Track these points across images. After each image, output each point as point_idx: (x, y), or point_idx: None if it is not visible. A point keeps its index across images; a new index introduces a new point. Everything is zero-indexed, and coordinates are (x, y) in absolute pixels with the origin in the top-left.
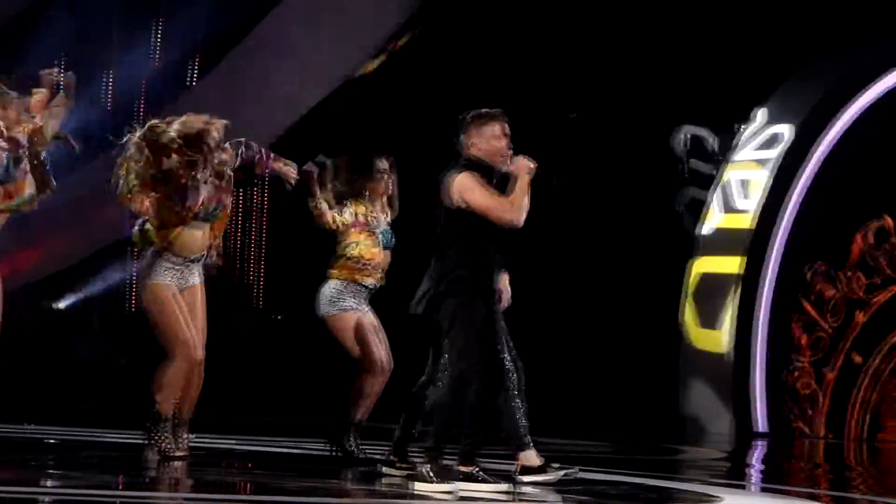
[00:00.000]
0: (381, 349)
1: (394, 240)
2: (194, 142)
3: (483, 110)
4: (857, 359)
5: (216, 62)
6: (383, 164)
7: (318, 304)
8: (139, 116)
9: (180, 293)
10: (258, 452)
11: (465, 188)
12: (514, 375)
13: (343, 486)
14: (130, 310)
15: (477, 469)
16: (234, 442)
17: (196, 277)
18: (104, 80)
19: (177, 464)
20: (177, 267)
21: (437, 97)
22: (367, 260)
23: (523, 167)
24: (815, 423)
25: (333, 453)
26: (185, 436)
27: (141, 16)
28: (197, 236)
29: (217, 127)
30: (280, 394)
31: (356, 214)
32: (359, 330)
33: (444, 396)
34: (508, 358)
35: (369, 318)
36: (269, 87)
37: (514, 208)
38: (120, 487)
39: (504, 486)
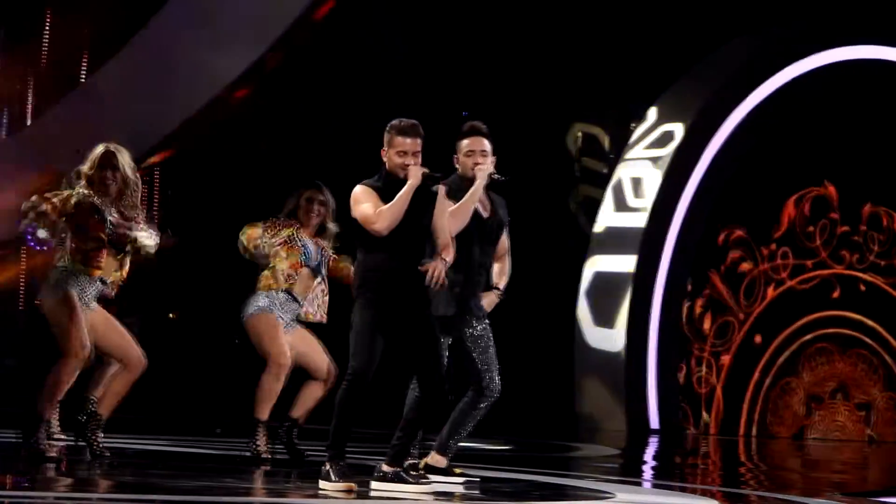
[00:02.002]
0: (324, 358)
1: (318, 263)
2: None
3: (396, 122)
4: (758, 338)
5: (107, 57)
6: (315, 194)
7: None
8: (27, 112)
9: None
10: (158, 452)
11: (353, 200)
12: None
13: (240, 485)
14: (20, 309)
15: (399, 469)
16: (133, 441)
17: (94, 302)
18: None
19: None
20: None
21: (330, 99)
22: (285, 270)
23: (410, 177)
24: (707, 419)
25: (253, 453)
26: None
27: (29, 8)
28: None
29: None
30: (182, 394)
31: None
32: (296, 345)
33: (342, 394)
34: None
35: (300, 332)
36: (161, 84)
37: (381, 218)
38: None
39: (426, 487)
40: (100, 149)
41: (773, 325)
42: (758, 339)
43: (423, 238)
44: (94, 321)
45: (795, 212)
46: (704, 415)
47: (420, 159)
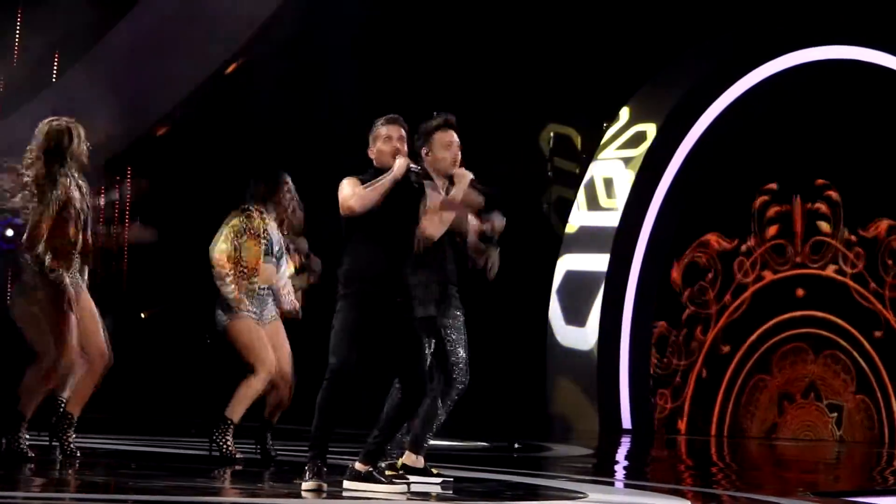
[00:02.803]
0: (285, 360)
1: (280, 250)
2: (54, 152)
3: (385, 116)
4: (725, 348)
5: (78, 57)
6: (286, 180)
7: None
8: None
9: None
10: (127, 452)
11: (339, 190)
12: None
13: (211, 484)
14: None
15: (372, 468)
16: (105, 441)
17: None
18: None
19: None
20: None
21: (304, 97)
22: (248, 265)
23: (395, 168)
24: (679, 419)
25: (222, 452)
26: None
27: (0, 8)
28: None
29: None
30: (150, 393)
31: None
32: (269, 339)
33: (322, 394)
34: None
35: (274, 327)
36: (132, 84)
37: (357, 197)
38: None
39: (399, 487)
40: (64, 124)
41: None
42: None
43: (409, 240)
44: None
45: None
46: (675, 413)
47: (405, 147)
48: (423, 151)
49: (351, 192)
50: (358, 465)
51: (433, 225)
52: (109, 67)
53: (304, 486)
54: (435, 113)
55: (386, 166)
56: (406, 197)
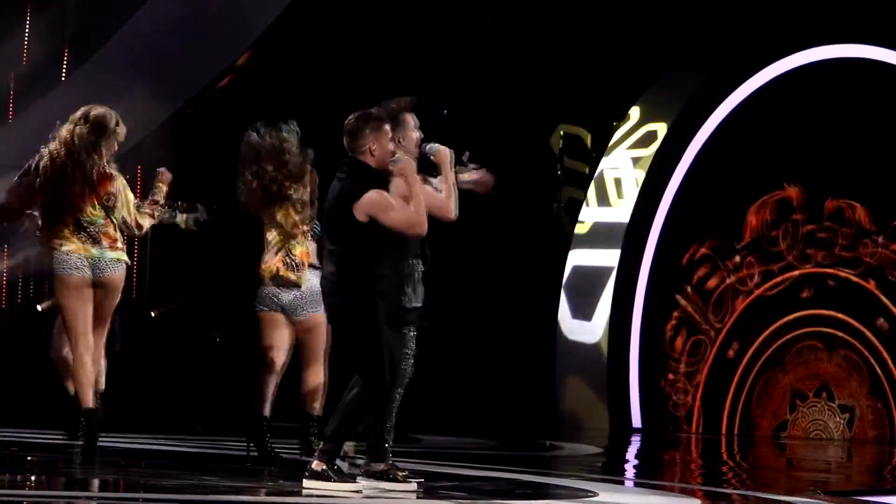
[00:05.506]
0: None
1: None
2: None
3: (372, 114)
4: (730, 353)
5: (88, 55)
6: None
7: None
8: (7, 111)
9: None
10: (154, 451)
11: (379, 208)
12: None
13: (226, 483)
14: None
15: (388, 467)
16: (128, 440)
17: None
18: None
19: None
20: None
21: (309, 94)
22: (296, 258)
23: (407, 172)
24: (690, 418)
25: (249, 452)
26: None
27: (9, 7)
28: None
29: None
30: (164, 391)
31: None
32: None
33: (358, 400)
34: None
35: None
36: (142, 81)
37: (421, 218)
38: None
39: (412, 486)
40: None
41: (746, 334)
42: (730, 353)
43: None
44: None
45: (758, 219)
46: (686, 411)
47: None
48: (398, 136)
49: (412, 216)
50: (375, 466)
51: (452, 204)
52: (118, 65)
53: (341, 487)
54: (444, 112)
55: (385, 166)
56: None
